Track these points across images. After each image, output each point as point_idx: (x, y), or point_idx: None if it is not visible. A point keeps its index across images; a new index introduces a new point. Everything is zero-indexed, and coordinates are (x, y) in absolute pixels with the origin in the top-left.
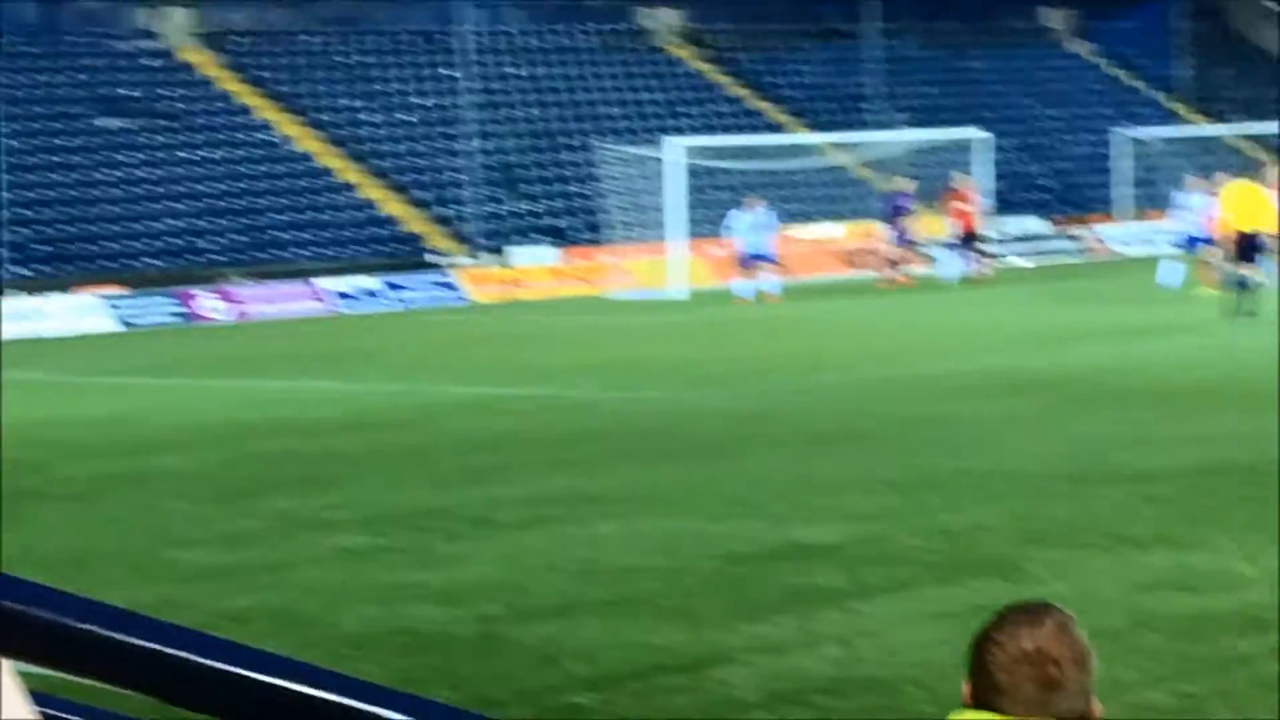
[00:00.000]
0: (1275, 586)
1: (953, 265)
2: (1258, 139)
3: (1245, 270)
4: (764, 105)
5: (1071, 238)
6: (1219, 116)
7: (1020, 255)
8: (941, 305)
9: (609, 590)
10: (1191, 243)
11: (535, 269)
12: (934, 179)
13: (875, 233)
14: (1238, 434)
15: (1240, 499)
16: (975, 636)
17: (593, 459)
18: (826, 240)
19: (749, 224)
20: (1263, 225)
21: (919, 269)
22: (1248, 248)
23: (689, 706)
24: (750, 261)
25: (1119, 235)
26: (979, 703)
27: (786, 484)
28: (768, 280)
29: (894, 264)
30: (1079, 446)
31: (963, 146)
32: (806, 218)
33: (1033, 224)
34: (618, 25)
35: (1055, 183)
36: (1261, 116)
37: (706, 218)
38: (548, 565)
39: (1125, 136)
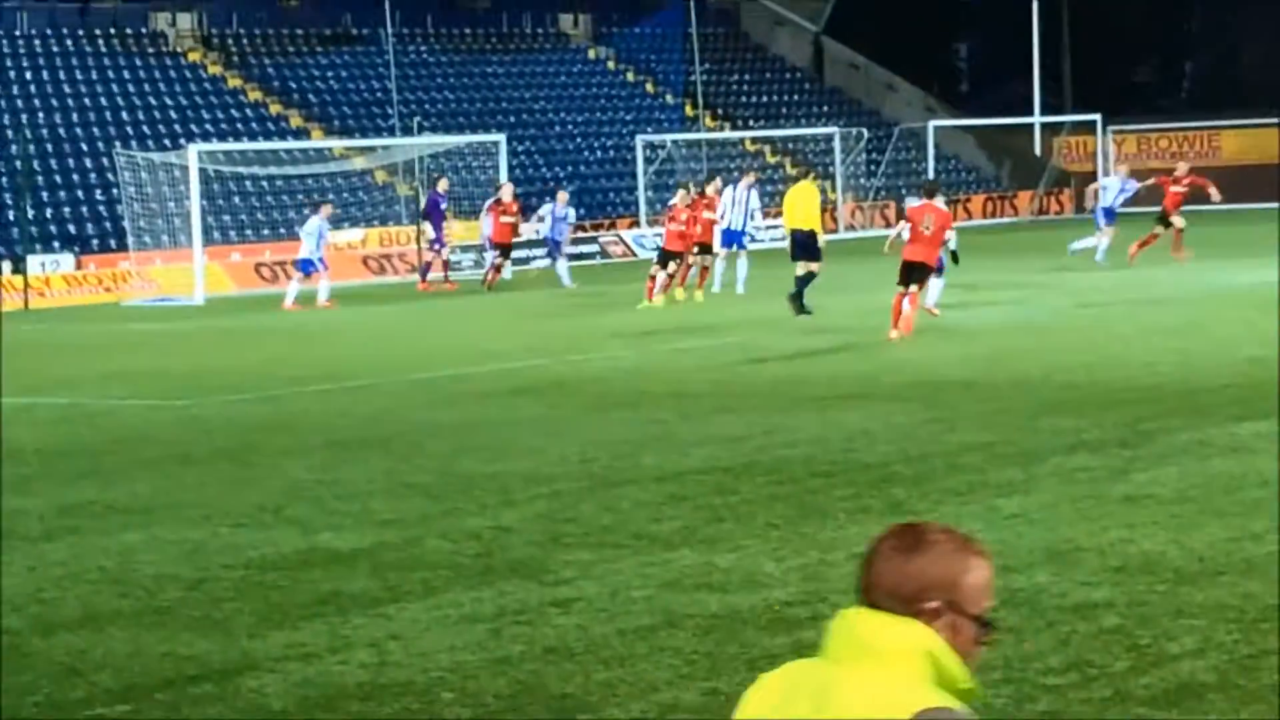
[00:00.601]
0: (800, 584)
1: (487, 269)
2: (772, 142)
3: (801, 269)
4: (283, 110)
5: (594, 241)
6: (736, 121)
7: (540, 260)
8: (466, 310)
9: (135, 600)
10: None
11: (53, 277)
12: (463, 184)
13: (398, 237)
14: (759, 433)
15: (765, 498)
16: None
17: (115, 469)
18: (347, 245)
19: (318, 229)
20: (810, 223)
21: (451, 273)
22: (803, 247)
23: (220, 716)
24: (310, 266)
25: (640, 238)
26: None
27: (313, 490)
28: (294, 286)
29: (428, 267)
30: (604, 448)
31: (486, 151)
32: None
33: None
34: (133, 30)
35: (579, 186)
36: (777, 121)
37: (227, 224)
38: (72, 576)
39: (645, 141)
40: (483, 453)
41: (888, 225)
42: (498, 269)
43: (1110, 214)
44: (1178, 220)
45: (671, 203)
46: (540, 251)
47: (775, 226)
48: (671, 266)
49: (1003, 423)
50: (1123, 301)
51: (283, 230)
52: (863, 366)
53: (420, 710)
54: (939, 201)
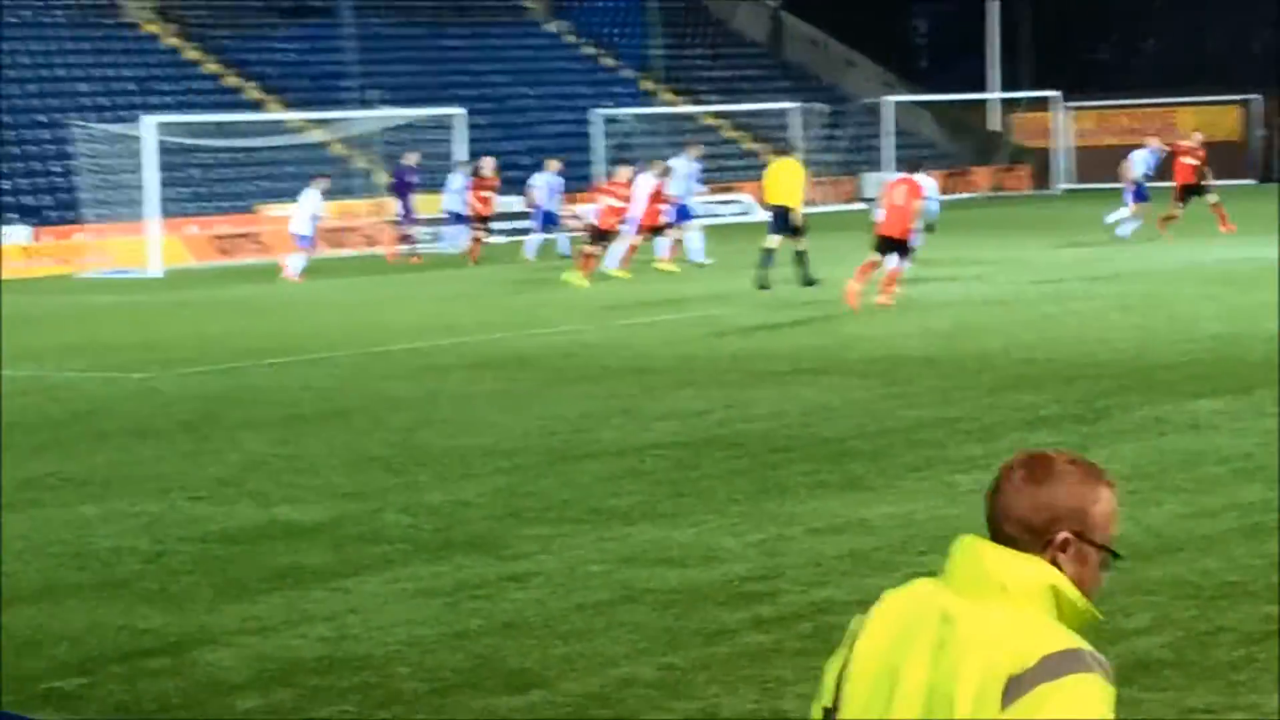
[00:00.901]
0: (759, 559)
1: (456, 242)
2: (731, 117)
3: (774, 241)
4: (240, 82)
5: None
6: (694, 96)
7: (505, 235)
8: (426, 283)
9: (92, 573)
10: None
11: (8, 248)
12: (422, 157)
13: (356, 210)
14: (720, 408)
15: (723, 473)
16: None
17: (73, 441)
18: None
19: (311, 202)
20: (792, 201)
21: (420, 246)
22: (780, 221)
23: (176, 689)
24: (303, 241)
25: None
26: None
27: (272, 463)
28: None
29: (398, 240)
30: (563, 422)
31: (442, 124)
32: (285, 196)
33: (514, 203)
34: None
35: (538, 160)
36: (736, 96)
37: (184, 196)
38: (30, 549)
39: (603, 116)
40: (442, 426)
41: (847, 201)
42: (478, 241)
43: (1140, 190)
44: (1177, 210)
45: (620, 175)
46: (506, 225)
47: (731, 201)
48: (598, 248)
49: (962, 398)
50: (1081, 278)
51: (240, 203)
52: (822, 341)
53: (377, 684)
54: (920, 176)
